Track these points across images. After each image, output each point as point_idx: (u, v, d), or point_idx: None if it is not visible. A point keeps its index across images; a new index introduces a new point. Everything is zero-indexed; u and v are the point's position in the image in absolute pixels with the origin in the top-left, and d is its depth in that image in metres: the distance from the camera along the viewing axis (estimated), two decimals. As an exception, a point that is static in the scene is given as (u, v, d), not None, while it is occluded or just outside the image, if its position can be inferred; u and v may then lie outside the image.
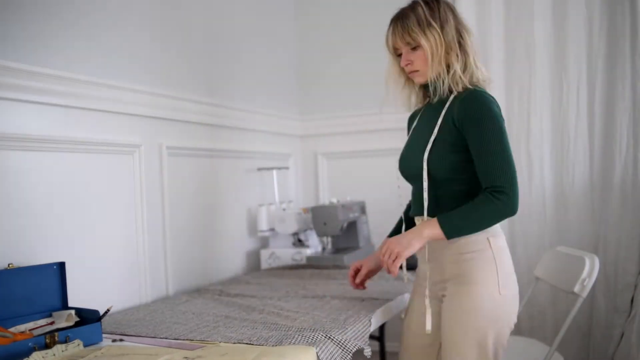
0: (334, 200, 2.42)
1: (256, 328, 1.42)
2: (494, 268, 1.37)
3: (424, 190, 1.41)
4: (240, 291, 1.94)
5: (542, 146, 2.42)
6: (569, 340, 2.31)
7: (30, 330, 1.36)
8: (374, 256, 1.63)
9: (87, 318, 1.40)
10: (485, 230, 1.38)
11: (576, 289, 1.68)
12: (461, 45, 1.41)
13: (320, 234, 2.37)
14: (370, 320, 1.47)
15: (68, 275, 1.50)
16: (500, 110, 1.37)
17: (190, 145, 2.13)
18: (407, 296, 1.71)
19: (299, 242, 2.46)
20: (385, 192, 2.34)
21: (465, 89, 1.40)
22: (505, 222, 2.48)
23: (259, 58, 2.64)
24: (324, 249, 2.50)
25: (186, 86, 2.13)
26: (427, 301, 1.43)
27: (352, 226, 2.47)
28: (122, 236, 1.82)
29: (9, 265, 1.40)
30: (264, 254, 2.45)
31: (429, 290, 1.46)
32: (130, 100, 1.84)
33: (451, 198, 1.40)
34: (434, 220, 1.36)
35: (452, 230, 1.35)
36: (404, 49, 1.44)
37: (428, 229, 1.36)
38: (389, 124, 2.77)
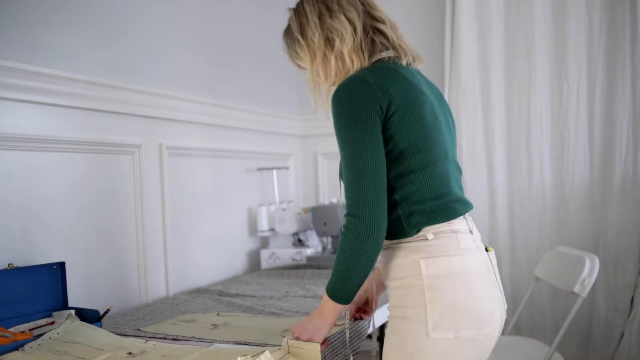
0: (334, 200, 2.42)
1: (253, 328, 1.42)
2: (422, 300, 1.07)
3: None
4: (240, 291, 1.94)
5: (542, 146, 2.42)
6: (569, 340, 2.31)
7: (30, 330, 1.36)
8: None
9: (87, 318, 1.40)
10: (415, 249, 1.11)
11: (576, 289, 1.68)
12: (332, 44, 1.19)
13: (320, 234, 2.37)
14: (370, 323, 1.43)
15: (68, 275, 1.50)
16: (371, 95, 1.08)
17: (190, 145, 2.13)
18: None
19: (299, 242, 2.46)
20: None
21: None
22: (505, 222, 2.50)
23: (258, 58, 2.64)
24: (324, 248, 2.50)
25: (186, 86, 2.13)
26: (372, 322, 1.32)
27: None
28: (122, 236, 1.82)
29: (9, 265, 1.41)
30: (264, 254, 2.45)
31: None
32: (131, 100, 1.84)
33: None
34: (323, 304, 1.16)
35: (335, 294, 1.12)
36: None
37: (326, 309, 1.15)
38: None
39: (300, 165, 2.99)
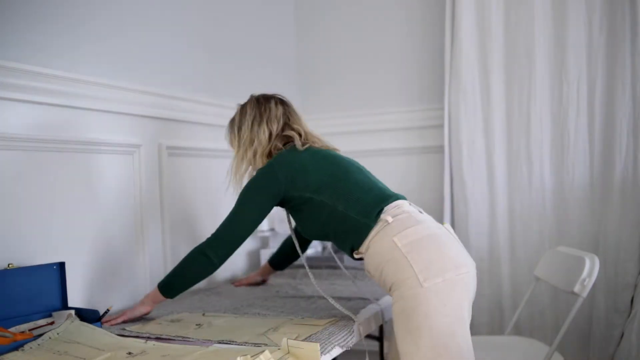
0: (334, 200, 2.42)
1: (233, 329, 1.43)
2: (407, 264, 1.33)
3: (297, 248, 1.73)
4: (230, 291, 1.95)
5: (542, 146, 2.41)
6: (569, 340, 2.31)
7: (30, 330, 1.36)
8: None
9: (87, 318, 1.40)
10: (388, 232, 1.38)
11: (576, 289, 1.68)
12: (252, 143, 1.62)
13: (320, 234, 2.36)
14: (353, 328, 1.42)
15: (68, 275, 1.50)
16: (273, 177, 1.51)
17: (190, 145, 2.13)
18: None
19: (299, 242, 2.46)
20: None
21: None
22: (505, 222, 2.50)
23: (259, 58, 2.64)
24: (324, 248, 2.50)
25: (186, 86, 2.13)
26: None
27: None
28: (122, 236, 1.82)
29: (9, 265, 1.41)
30: (264, 254, 2.44)
31: None
32: (130, 100, 1.84)
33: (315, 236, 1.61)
34: (154, 292, 1.57)
35: (165, 290, 1.54)
36: None
37: (151, 294, 1.57)
38: (389, 124, 2.78)
39: (300, 165, 2.98)
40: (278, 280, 2.13)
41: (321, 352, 1.16)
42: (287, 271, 2.21)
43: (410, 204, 1.48)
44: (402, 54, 2.78)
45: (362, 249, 1.44)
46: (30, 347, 1.23)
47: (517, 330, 2.38)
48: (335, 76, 2.90)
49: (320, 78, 2.95)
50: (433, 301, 1.29)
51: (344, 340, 1.33)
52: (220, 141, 2.31)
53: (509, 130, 2.48)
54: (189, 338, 1.33)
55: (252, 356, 1.09)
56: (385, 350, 1.45)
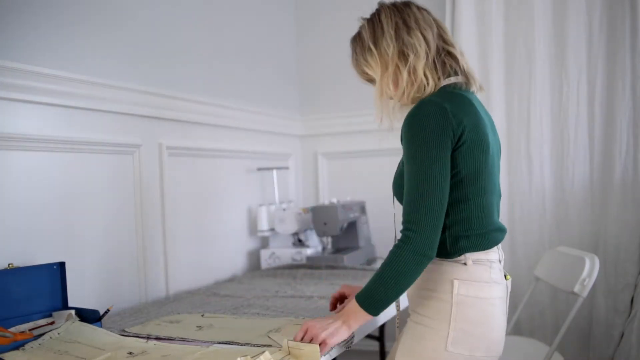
0: (334, 200, 2.42)
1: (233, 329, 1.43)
2: (448, 316, 1.16)
3: (394, 220, 1.27)
4: (230, 291, 1.95)
5: (542, 146, 2.41)
6: (569, 340, 2.31)
7: (30, 330, 1.36)
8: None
9: (87, 318, 1.40)
10: (450, 271, 1.19)
11: (576, 289, 1.68)
12: (406, 58, 1.22)
13: (320, 234, 2.37)
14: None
15: (68, 275, 1.50)
16: (447, 122, 1.13)
17: (190, 145, 2.13)
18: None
19: (299, 242, 2.46)
20: (385, 192, 2.34)
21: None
22: (505, 222, 2.50)
23: (259, 58, 2.64)
24: (324, 249, 2.51)
25: (186, 86, 2.13)
26: (397, 331, 1.37)
27: (352, 226, 2.47)
28: (122, 236, 1.82)
29: (9, 265, 1.41)
30: (264, 254, 2.45)
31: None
32: (130, 100, 1.84)
33: None
34: (354, 303, 1.19)
35: (373, 307, 1.16)
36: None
37: (353, 317, 1.18)
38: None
39: (300, 165, 2.99)
40: (278, 280, 2.13)
41: (321, 354, 1.16)
42: (287, 271, 2.22)
43: (497, 247, 1.24)
44: (402, 54, 2.77)
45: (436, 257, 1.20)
46: (31, 347, 1.23)
47: (517, 330, 2.39)
48: (335, 76, 2.89)
49: (320, 78, 2.95)
50: None
51: (345, 340, 1.33)
52: (220, 141, 2.32)
53: (509, 130, 2.48)
54: (189, 338, 1.33)
55: (252, 357, 1.09)
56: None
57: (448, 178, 1.14)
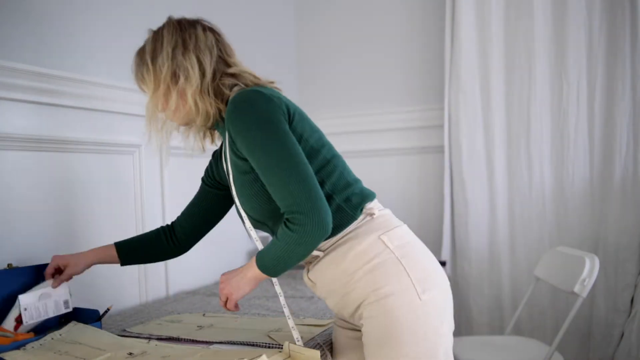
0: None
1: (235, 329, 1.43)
2: (402, 270, 1.09)
3: (254, 239, 1.26)
4: None
5: (542, 146, 2.41)
6: (569, 340, 2.31)
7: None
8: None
9: (87, 318, 1.40)
10: (374, 228, 1.13)
11: (576, 289, 1.68)
12: (177, 79, 1.19)
13: (320, 234, 2.36)
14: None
15: (68, 275, 1.50)
16: (275, 102, 1.11)
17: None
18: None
19: (299, 242, 2.46)
20: (385, 191, 2.35)
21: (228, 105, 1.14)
22: (505, 222, 2.51)
23: (258, 58, 2.64)
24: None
25: (186, 86, 2.12)
26: (339, 333, 1.25)
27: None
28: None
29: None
30: (264, 254, 2.44)
31: (344, 323, 1.26)
32: (130, 100, 1.83)
33: None
34: (250, 265, 1.17)
35: (269, 271, 1.14)
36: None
37: (251, 270, 1.16)
38: (389, 124, 2.77)
39: (300, 165, 2.98)
40: (278, 280, 2.12)
41: (321, 354, 1.16)
42: (287, 271, 2.21)
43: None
44: (402, 54, 2.78)
45: (328, 244, 1.15)
46: (32, 347, 1.23)
47: (517, 330, 2.39)
48: (335, 76, 2.89)
49: (320, 78, 2.95)
50: (432, 319, 1.08)
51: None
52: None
53: (509, 130, 2.48)
54: (190, 338, 1.33)
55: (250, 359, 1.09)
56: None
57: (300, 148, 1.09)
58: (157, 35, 1.24)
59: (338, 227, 1.13)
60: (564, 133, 2.38)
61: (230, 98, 1.14)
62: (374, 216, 1.15)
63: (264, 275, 1.15)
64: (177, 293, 2.00)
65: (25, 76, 1.48)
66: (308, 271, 1.23)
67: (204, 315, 1.59)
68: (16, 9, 1.49)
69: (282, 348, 1.18)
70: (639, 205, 2.24)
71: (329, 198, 1.13)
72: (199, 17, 1.31)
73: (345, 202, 1.14)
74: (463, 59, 2.50)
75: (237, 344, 1.27)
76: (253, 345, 1.25)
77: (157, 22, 2.00)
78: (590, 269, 1.68)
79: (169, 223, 1.46)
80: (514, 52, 2.45)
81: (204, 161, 2.25)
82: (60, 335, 1.29)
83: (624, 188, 2.26)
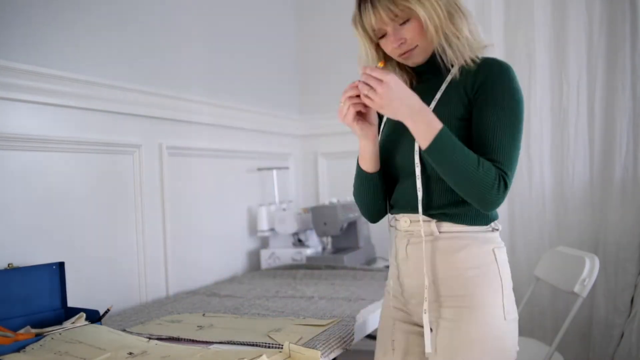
0: (334, 200, 2.42)
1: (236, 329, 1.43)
2: (499, 287, 1.14)
3: (418, 189, 1.16)
4: (230, 291, 1.95)
5: (542, 146, 2.41)
6: (569, 340, 2.31)
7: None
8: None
9: (87, 318, 1.40)
10: (489, 240, 1.17)
11: (576, 289, 1.68)
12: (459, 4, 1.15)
13: (320, 234, 2.37)
14: (353, 326, 1.40)
15: (68, 275, 1.50)
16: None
17: (190, 145, 2.13)
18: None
19: (299, 242, 2.46)
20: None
21: (476, 60, 1.16)
22: (505, 222, 2.50)
23: (259, 58, 2.64)
24: (324, 249, 2.51)
25: (186, 86, 2.13)
26: (425, 318, 1.14)
27: (352, 226, 2.47)
28: (122, 236, 1.82)
29: (8, 265, 1.40)
30: (264, 254, 2.45)
31: (413, 310, 1.22)
32: (130, 100, 1.84)
33: (446, 191, 1.16)
34: (437, 123, 1.08)
35: (436, 152, 1.08)
36: (391, 26, 1.16)
37: (422, 122, 1.09)
38: (389, 124, 2.77)
39: (300, 165, 2.99)
40: (278, 280, 2.13)
41: (321, 355, 1.16)
42: (287, 271, 2.21)
43: None
44: (402, 54, 2.78)
45: (459, 223, 1.16)
46: (32, 348, 1.22)
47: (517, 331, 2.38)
48: (335, 76, 2.88)
49: (320, 78, 2.94)
50: (506, 343, 1.14)
51: (344, 340, 1.33)
52: (220, 141, 2.32)
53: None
54: (190, 338, 1.33)
55: None
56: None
57: None
58: None
59: (474, 218, 1.16)
60: (564, 133, 2.38)
61: (497, 60, 1.17)
62: (496, 231, 1.20)
63: (423, 133, 1.09)
64: (177, 293, 2.00)
65: (25, 76, 1.48)
66: (408, 242, 1.21)
67: (204, 315, 1.59)
68: (16, 8, 1.49)
69: (282, 348, 1.18)
70: (639, 205, 2.24)
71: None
72: None
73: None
74: (463, 59, 2.50)
75: (237, 344, 1.27)
76: (253, 345, 1.25)
77: (159, 22, 2.01)
78: (590, 269, 1.68)
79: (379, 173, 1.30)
80: (514, 52, 2.45)
81: (204, 161, 2.26)
82: (60, 334, 1.29)
83: (624, 188, 2.26)
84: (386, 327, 1.28)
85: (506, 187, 1.09)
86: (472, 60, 1.17)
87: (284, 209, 2.47)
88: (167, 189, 1.99)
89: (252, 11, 2.61)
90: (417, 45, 1.17)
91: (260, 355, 1.09)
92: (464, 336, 1.12)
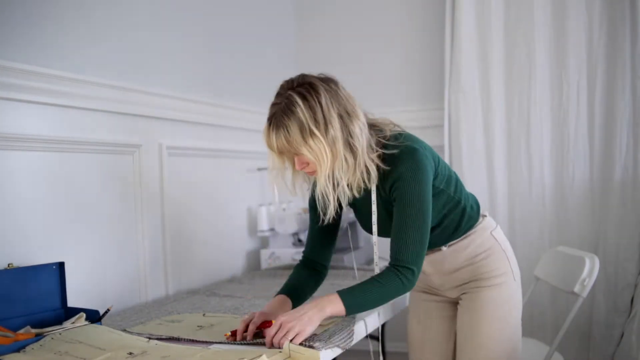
0: (334, 200, 2.41)
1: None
2: (505, 258, 1.45)
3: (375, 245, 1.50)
4: (230, 291, 1.95)
5: (542, 146, 2.42)
6: (569, 340, 2.31)
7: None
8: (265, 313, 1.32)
9: (87, 318, 1.40)
10: (486, 227, 1.47)
11: (576, 289, 1.68)
12: (352, 136, 1.27)
13: (320, 234, 2.36)
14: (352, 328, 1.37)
15: (68, 275, 1.50)
16: (428, 155, 1.30)
17: (190, 145, 2.13)
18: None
19: (299, 242, 2.46)
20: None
21: (386, 156, 1.30)
22: (505, 222, 2.50)
23: (259, 58, 2.64)
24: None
25: (186, 86, 2.12)
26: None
27: (352, 226, 2.47)
28: (122, 236, 1.82)
29: (8, 265, 1.40)
30: (264, 254, 2.45)
31: (435, 295, 1.58)
32: (130, 100, 1.84)
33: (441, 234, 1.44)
34: (335, 296, 1.25)
35: (353, 308, 1.26)
36: (290, 155, 1.33)
37: (330, 305, 1.23)
38: (389, 124, 2.78)
39: (300, 165, 2.98)
40: (278, 280, 2.12)
41: (321, 355, 1.16)
42: (287, 271, 2.21)
43: None
44: (402, 54, 2.78)
45: (458, 238, 1.45)
46: (32, 348, 1.22)
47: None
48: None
49: (320, 78, 2.94)
50: (518, 296, 1.46)
51: (344, 340, 1.33)
52: (220, 141, 2.32)
53: (509, 130, 2.48)
54: (190, 338, 1.33)
55: None
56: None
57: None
58: (311, 94, 1.36)
59: (466, 229, 1.45)
60: (564, 133, 2.38)
61: (399, 151, 1.30)
62: (485, 217, 1.49)
63: (340, 312, 1.26)
64: (177, 293, 2.00)
65: (25, 76, 1.48)
66: None
67: (204, 315, 1.59)
68: (16, 8, 1.49)
69: (282, 348, 1.18)
70: (639, 205, 2.24)
71: (463, 207, 1.43)
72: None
73: (471, 209, 1.45)
74: (463, 59, 2.50)
75: (237, 344, 1.27)
76: (253, 345, 1.25)
77: (160, 23, 2.01)
78: (590, 269, 1.68)
79: (302, 259, 1.59)
80: (514, 52, 2.45)
81: (204, 161, 2.26)
82: (60, 334, 1.29)
83: (624, 188, 2.26)
84: (413, 299, 1.65)
85: (413, 273, 1.27)
86: (383, 159, 1.30)
87: (284, 209, 2.47)
88: (167, 189, 1.99)
89: (252, 11, 2.61)
90: (316, 171, 1.30)
91: (260, 355, 1.09)
92: (486, 294, 1.42)
